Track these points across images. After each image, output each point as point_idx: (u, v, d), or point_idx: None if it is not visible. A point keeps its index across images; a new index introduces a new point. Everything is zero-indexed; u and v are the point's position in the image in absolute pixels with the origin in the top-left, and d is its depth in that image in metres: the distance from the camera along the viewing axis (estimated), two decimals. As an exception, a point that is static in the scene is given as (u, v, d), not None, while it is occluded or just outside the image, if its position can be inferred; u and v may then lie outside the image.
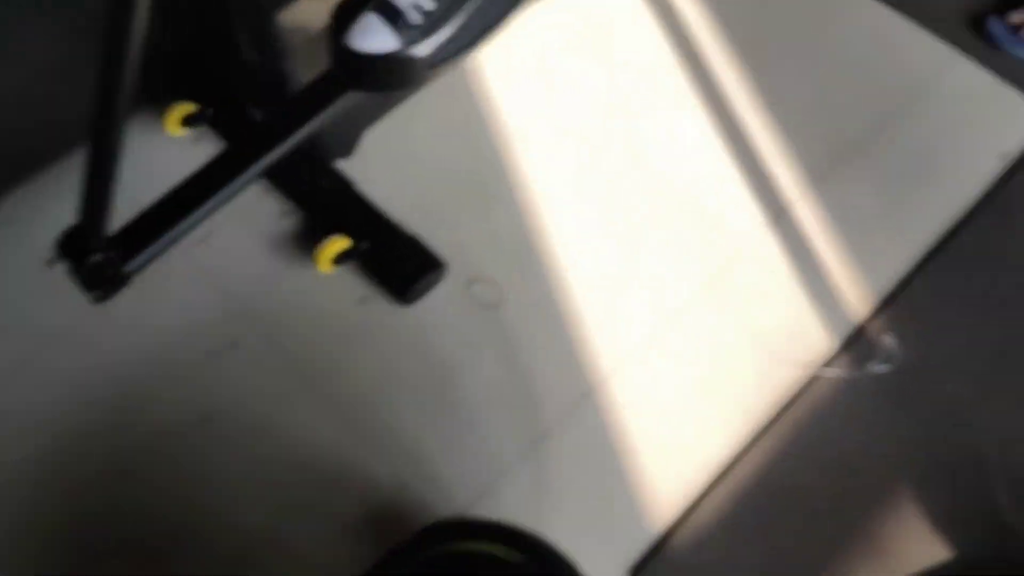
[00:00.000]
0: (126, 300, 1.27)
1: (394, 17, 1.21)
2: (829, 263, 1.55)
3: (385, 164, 1.59)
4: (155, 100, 1.56)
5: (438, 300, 1.48)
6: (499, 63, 1.67)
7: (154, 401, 1.37)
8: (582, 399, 1.40)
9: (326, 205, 1.55)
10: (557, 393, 1.41)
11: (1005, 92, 1.72)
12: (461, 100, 1.67)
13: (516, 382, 1.42)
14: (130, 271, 1.19)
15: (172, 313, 1.44)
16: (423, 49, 1.23)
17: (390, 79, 1.27)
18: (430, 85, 1.31)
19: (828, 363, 1.45)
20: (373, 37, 1.21)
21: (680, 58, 1.75)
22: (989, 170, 1.64)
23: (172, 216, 1.23)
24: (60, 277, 1.32)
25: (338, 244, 1.47)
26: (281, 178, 1.56)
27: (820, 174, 1.63)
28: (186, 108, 1.58)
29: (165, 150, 1.55)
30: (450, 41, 1.24)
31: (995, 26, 1.78)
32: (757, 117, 1.69)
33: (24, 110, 1.62)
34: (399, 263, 1.49)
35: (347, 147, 1.59)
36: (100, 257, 1.13)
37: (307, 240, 1.49)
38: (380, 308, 1.46)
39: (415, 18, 1.22)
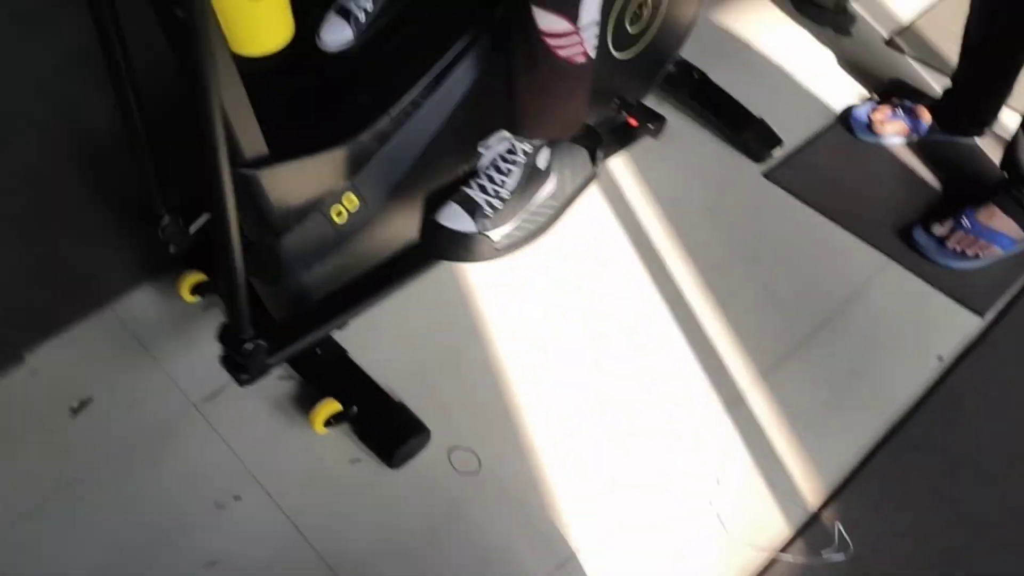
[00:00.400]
0: (141, 452, 1.35)
1: (472, 209, 1.62)
2: (782, 450, 1.66)
3: (377, 336, 1.70)
4: (174, 268, 1.72)
5: (422, 464, 1.57)
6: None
7: (164, 544, 1.45)
8: (553, 573, 1.47)
9: (321, 372, 1.65)
10: (529, 566, 1.48)
11: (936, 297, 1.91)
12: (446, 279, 1.82)
13: (493, 550, 1.49)
14: (270, 364, 1.44)
15: (184, 463, 1.54)
16: (495, 235, 1.62)
17: (467, 253, 1.66)
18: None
19: (785, 548, 1.54)
20: (456, 220, 1.62)
21: (643, 257, 1.93)
22: (928, 369, 1.79)
23: (305, 327, 1.53)
24: (81, 428, 1.41)
25: (330, 408, 1.56)
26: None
27: (770, 367, 1.77)
28: (197, 277, 1.71)
29: (178, 314, 1.68)
30: (513, 232, 1.67)
31: (920, 236, 1.97)
32: (712, 312, 1.85)
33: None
34: (387, 428, 1.59)
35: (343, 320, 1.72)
36: (251, 346, 1.39)
37: (304, 402, 1.59)
38: (370, 469, 1.55)
39: (488, 211, 1.60)
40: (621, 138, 2.07)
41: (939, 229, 1.96)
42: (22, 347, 1.66)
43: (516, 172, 1.64)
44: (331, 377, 1.63)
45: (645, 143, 2.08)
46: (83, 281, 1.76)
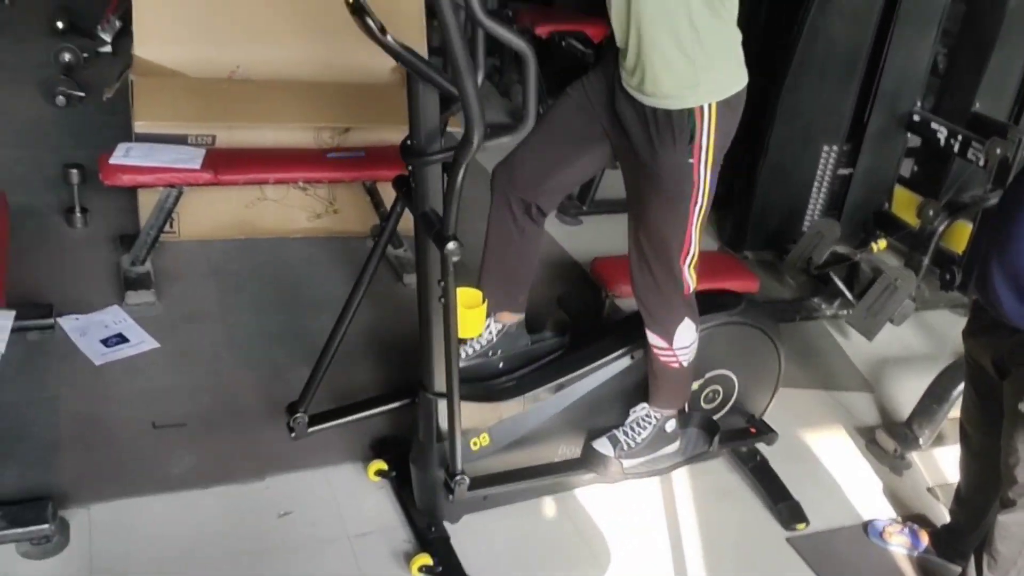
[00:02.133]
0: (303, 551, 2.27)
1: (615, 443, 2.62)
2: None
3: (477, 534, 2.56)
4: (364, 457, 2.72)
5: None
6: None
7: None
8: None
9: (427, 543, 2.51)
10: None
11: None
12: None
13: None
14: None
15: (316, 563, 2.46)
16: (625, 463, 2.60)
17: (603, 469, 2.63)
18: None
19: None
20: (603, 446, 2.62)
21: (666, 551, 2.68)
22: None
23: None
24: (281, 525, 2.38)
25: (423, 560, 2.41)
26: None
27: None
28: (379, 465, 2.69)
29: (362, 486, 2.63)
30: (637, 467, 2.64)
31: None
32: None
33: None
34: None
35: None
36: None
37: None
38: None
39: (623, 448, 2.62)
40: (738, 436, 2.95)
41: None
42: (265, 473, 2.67)
43: (648, 429, 2.62)
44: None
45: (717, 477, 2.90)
46: (318, 450, 2.75)
